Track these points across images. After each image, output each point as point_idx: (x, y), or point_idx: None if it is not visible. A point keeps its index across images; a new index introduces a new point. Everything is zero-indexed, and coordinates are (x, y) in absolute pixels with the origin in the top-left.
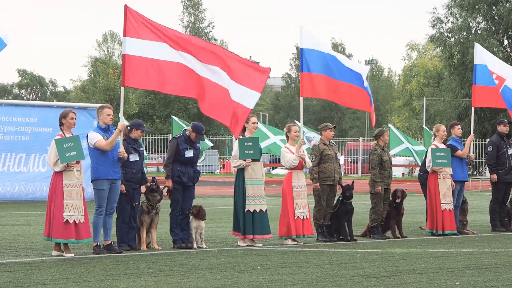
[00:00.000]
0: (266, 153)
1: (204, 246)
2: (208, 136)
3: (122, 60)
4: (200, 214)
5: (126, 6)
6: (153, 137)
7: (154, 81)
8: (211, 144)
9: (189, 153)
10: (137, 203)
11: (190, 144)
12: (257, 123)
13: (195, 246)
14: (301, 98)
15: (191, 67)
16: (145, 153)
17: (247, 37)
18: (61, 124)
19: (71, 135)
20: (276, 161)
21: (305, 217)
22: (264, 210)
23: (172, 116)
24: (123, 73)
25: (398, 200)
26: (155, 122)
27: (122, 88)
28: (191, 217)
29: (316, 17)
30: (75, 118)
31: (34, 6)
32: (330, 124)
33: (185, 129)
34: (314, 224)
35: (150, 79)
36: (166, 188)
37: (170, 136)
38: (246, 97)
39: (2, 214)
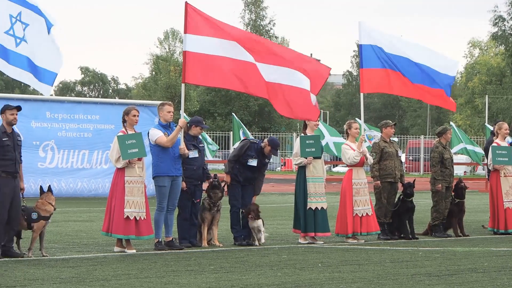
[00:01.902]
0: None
1: (262, 242)
2: (268, 133)
3: (182, 57)
4: (256, 215)
5: (187, 3)
6: (214, 134)
7: (214, 78)
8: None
9: (253, 162)
10: (198, 200)
11: (259, 154)
12: (318, 121)
13: (256, 243)
14: (362, 95)
15: (250, 60)
16: (216, 145)
17: (308, 34)
18: (123, 121)
19: (134, 132)
20: (337, 159)
21: (364, 214)
22: (325, 208)
23: (233, 113)
24: (183, 70)
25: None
26: (216, 120)
27: (182, 85)
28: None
29: (376, 14)
30: (138, 116)
31: (96, 4)
32: (391, 122)
33: (262, 140)
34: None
35: (210, 76)
36: (226, 185)
37: (231, 134)
38: (306, 83)
39: (65, 210)
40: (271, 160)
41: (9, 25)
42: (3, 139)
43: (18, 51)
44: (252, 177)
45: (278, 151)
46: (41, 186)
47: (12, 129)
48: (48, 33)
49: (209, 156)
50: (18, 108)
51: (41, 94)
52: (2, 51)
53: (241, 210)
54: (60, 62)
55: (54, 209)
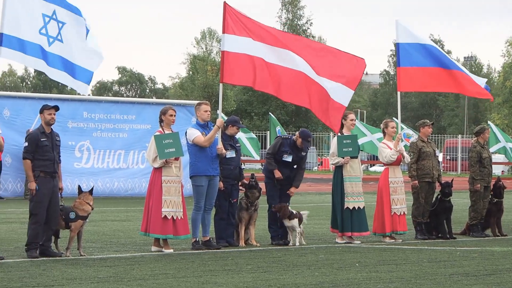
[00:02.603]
0: (361, 150)
1: (304, 242)
2: None
3: (221, 57)
4: (282, 213)
5: (225, 4)
6: (252, 135)
7: (252, 78)
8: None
9: (288, 158)
10: (235, 200)
11: (293, 149)
12: (355, 120)
13: (291, 243)
14: (399, 93)
15: (287, 65)
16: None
17: (345, 33)
18: (160, 120)
19: (171, 132)
20: (374, 158)
21: (402, 213)
22: (362, 207)
23: (269, 113)
24: (221, 70)
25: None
26: (253, 119)
27: (220, 85)
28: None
29: (413, 13)
30: (175, 115)
31: (133, 4)
32: (428, 121)
33: (294, 134)
34: (412, 222)
35: (248, 76)
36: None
37: (268, 133)
38: (341, 94)
39: (103, 209)
40: (308, 159)
41: (42, 24)
42: (42, 140)
43: (50, 50)
44: (289, 175)
45: (310, 142)
46: (79, 186)
47: (51, 129)
48: (86, 36)
49: (255, 156)
50: (56, 108)
51: (79, 94)
52: (41, 52)
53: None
54: (99, 60)
55: (92, 209)
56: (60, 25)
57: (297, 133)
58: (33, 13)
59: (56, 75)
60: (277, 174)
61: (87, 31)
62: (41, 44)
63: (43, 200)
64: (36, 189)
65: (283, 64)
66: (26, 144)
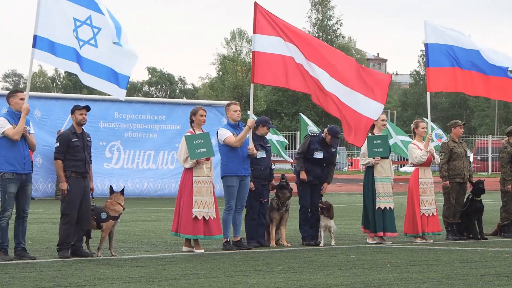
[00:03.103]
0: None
1: (333, 244)
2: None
3: (251, 57)
4: (329, 212)
5: (256, 4)
6: (281, 134)
7: (283, 78)
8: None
9: (319, 155)
10: (266, 200)
11: (323, 145)
12: (385, 120)
13: (321, 244)
14: (428, 94)
15: (314, 75)
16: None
17: (375, 34)
18: (191, 121)
19: (201, 132)
20: (403, 159)
21: (431, 214)
22: (392, 208)
23: (300, 113)
24: (252, 70)
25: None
26: (283, 120)
27: (251, 85)
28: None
29: (443, 12)
30: (205, 115)
31: (163, 5)
32: (460, 121)
33: (322, 130)
34: (443, 222)
35: (279, 76)
36: (298, 183)
37: (298, 134)
38: (370, 108)
39: (133, 210)
40: (338, 160)
41: (73, 28)
42: (73, 140)
43: (81, 54)
44: (321, 174)
45: (339, 139)
46: (111, 186)
47: (82, 129)
48: (119, 40)
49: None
50: (87, 108)
51: (108, 95)
52: (75, 55)
53: (309, 209)
54: (133, 64)
55: (123, 209)
56: (96, 30)
57: (325, 130)
58: (66, 17)
59: (88, 80)
60: (303, 175)
61: (120, 33)
62: (75, 47)
63: (74, 201)
64: (67, 190)
65: (311, 73)
66: (58, 144)
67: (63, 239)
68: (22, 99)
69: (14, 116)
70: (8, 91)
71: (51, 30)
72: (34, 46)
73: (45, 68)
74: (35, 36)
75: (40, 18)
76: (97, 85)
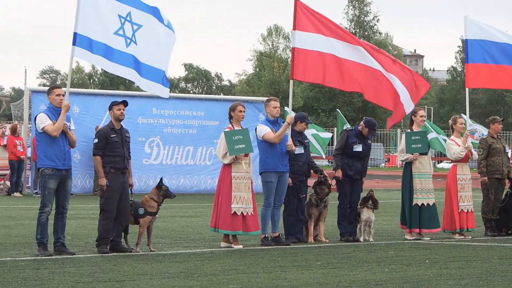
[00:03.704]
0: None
1: (371, 240)
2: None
3: (291, 53)
4: (376, 204)
5: (296, 0)
6: (325, 130)
7: (321, 75)
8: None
9: (358, 148)
10: (304, 195)
11: (360, 138)
12: (425, 117)
13: (361, 239)
14: (467, 90)
15: (357, 60)
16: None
17: (412, 30)
18: (230, 117)
19: (240, 128)
20: (441, 155)
21: (469, 210)
22: (431, 204)
23: (337, 109)
24: (292, 66)
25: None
26: (319, 116)
27: (291, 81)
28: (361, 209)
29: (480, 9)
30: (244, 111)
31: (199, 2)
32: (498, 117)
33: (358, 124)
34: (482, 218)
35: (318, 73)
36: (334, 180)
37: (335, 130)
38: (407, 101)
39: (170, 205)
40: (375, 156)
41: (120, 26)
42: (111, 136)
43: (128, 51)
44: (362, 169)
45: (376, 131)
46: (161, 178)
47: (121, 125)
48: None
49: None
50: (125, 103)
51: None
52: (114, 53)
53: (348, 205)
54: (168, 61)
55: (159, 205)
56: (135, 27)
57: (361, 122)
58: (108, 15)
59: (131, 75)
60: (338, 173)
61: (169, 28)
62: (116, 45)
63: (113, 196)
64: (106, 185)
65: (354, 59)
66: (96, 140)
67: (102, 234)
68: (58, 95)
69: (54, 112)
70: (47, 88)
71: (91, 28)
72: (74, 43)
73: (82, 64)
74: (75, 34)
75: (80, 16)
76: (138, 82)
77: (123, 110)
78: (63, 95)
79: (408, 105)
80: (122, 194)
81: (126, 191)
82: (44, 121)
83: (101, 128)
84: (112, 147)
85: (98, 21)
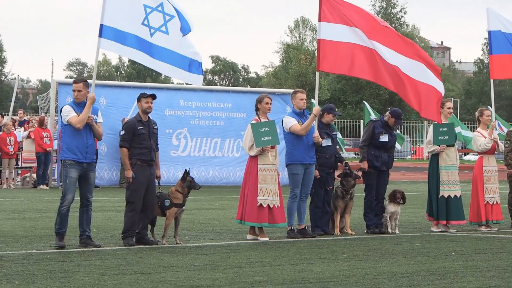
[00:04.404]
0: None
1: (397, 232)
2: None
3: (317, 45)
4: (404, 199)
5: None
6: (345, 123)
7: (349, 66)
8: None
9: (384, 138)
10: (331, 187)
11: (386, 129)
12: (452, 109)
13: (389, 230)
14: (492, 81)
15: (381, 55)
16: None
17: (439, 22)
18: (256, 109)
19: (267, 120)
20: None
21: (495, 202)
22: (458, 196)
23: (363, 101)
24: (318, 58)
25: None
26: (346, 108)
27: (317, 73)
28: (387, 202)
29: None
30: (270, 103)
31: None
32: None
33: (384, 114)
34: (508, 210)
35: (344, 64)
36: (361, 172)
37: (361, 122)
38: (437, 83)
39: (197, 198)
40: (402, 148)
41: (144, 15)
42: (138, 128)
43: (153, 41)
44: (388, 160)
45: (402, 120)
46: (186, 170)
47: (148, 117)
48: (184, 34)
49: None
50: (153, 96)
51: (178, 83)
52: (141, 43)
53: (375, 197)
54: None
55: (185, 196)
56: (168, 17)
57: (387, 113)
58: (134, 5)
59: (160, 67)
60: (365, 165)
61: (187, 30)
62: (143, 35)
63: (139, 188)
64: (132, 177)
65: (379, 53)
66: (123, 132)
67: (128, 226)
68: (74, 90)
69: (78, 105)
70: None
71: (118, 19)
72: (100, 35)
73: (109, 57)
74: (101, 26)
75: (106, 7)
76: (169, 72)
77: (151, 103)
78: (79, 91)
79: (441, 86)
80: (149, 186)
81: (153, 183)
82: (68, 113)
83: (128, 120)
84: (139, 139)
85: (125, 11)
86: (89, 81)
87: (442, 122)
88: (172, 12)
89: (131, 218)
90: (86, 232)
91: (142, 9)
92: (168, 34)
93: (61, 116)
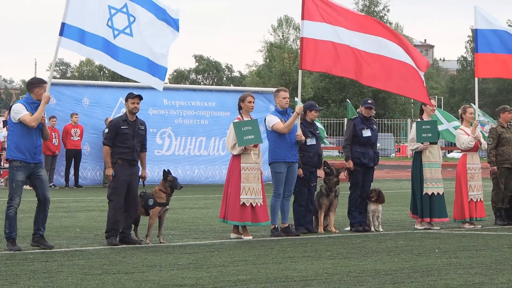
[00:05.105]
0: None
1: (381, 229)
2: (383, 119)
3: (300, 43)
4: (380, 198)
5: None
6: (329, 121)
7: (331, 64)
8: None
9: (367, 133)
10: (315, 184)
11: (367, 124)
12: (435, 106)
13: (372, 229)
14: (476, 80)
15: (363, 49)
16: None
17: (421, 20)
18: (239, 107)
19: (250, 119)
20: (451, 145)
21: (478, 200)
22: (441, 193)
23: (347, 100)
24: (300, 56)
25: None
26: (330, 106)
27: (300, 71)
28: (368, 201)
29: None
30: (253, 102)
31: None
32: (508, 107)
33: (358, 110)
34: (492, 208)
35: (327, 62)
36: (346, 171)
37: (345, 120)
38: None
39: (181, 197)
40: (386, 146)
41: (108, 16)
42: (122, 127)
43: (116, 43)
44: (374, 156)
45: (372, 105)
46: (164, 170)
47: (136, 117)
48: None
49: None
50: (140, 97)
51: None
52: (105, 44)
53: (360, 194)
54: (167, 57)
55: (168, 196)
56: (132, 19)
57: (361, 106)
58: (100, 5)
59: (123, 69)
60: (350, 164)
61: (173, 26)
62: (106, 36)
63: (119, 187)
64: (113, 175)
65: (362, 48)
66: (107, 130)
67: (110, 225)
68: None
69: (32, 105)
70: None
71: (81, 19)
72: (61, 34)
73: None
74: (62, 24)
75: (70, 6)
76: (132, 75)
77: (138, 104)
78: (45, 90)
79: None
80: (131, 186)
81: (135, 183)
82: (21, 111)
83: (113, 119)
84: (122, 138)
85: (89, 11)
86: (46, 79)
87: (425, 119)
88: (135, 13)
89: (113, 217)
90: (40, 231)
91: (107, 10)
92: (132, 36)
93: (10, 114)
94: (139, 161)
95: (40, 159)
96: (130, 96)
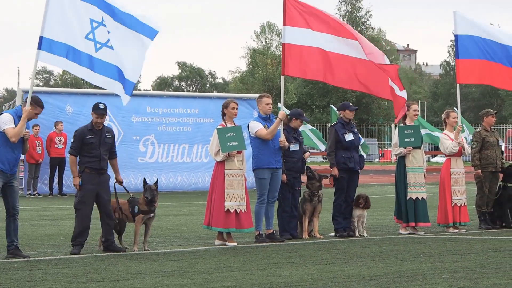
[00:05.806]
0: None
1: (366, 235)
2: (366, 124)
3: (282, 49)
4: (367, 204)
5: None
6: (312, 127)
7: (313, 70)
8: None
9: (349, 137)
10: (299, 188)
11: (348, 128)
12: (418, 111)
13: (357, 234)
14: (458, 85)
15: (347, 53)
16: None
17: (404, 25)
18: (223, 114)
19: (233, 125)
20: (436, 149)
21: (462, 204)
22: (425, 198)
23: (331, 105)
24: (283, 62)
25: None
26: (313, 112)
27: (282, 77)
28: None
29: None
30: (237, 108)
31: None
32: (492, 110)
33: (340, 116)
34: (476, 211)
35: (309, 68)
36: (332, 178)
37: (329, 125)
38: (399, 91)
39: (165, 204)
40: (370, 151)
41: (90, 29)
42: (87, 137)
43: (97, 56)
44: (360, 159)
45: (350, 104)
46: (144, 179)
47: (103, 125)
48: (152, 39)
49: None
50: (105, 113)
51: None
52: (84, 57)
53: (345, 200)
54: (139, 71)
55: (148, 204)
56: (109, 32)
57: (340, 111)
58: (80, 18)
59: (100, 81)
60: (335, 171)
61: (154, 34)
62: (85, 49)
63: (85, 195)
64: (79, 184)
65: (344, 53)
66: (72, 140)
67: (75, 235)
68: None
69: (20, 116)
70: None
71: (59, 32)
72: (39, 47)
73: None
74: (40, 38)
75: (47, 19)
76: (108, 85)
77: (101, 119)
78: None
79: (403, 94)
80: (101, 194)
81: (106, 190)
82: (8, 123)
83: (78, 128)
84: (88, 148)
85: (68, 24)
86: (26, 93)
87: (408, 124)
88: (110, 28)
89: (79, 227)
90: (14, 242)
91: (88, 23)
92: (113, 50)
93: None
94: (111, 168)
95: (15, 171)
96: (94, 110)
